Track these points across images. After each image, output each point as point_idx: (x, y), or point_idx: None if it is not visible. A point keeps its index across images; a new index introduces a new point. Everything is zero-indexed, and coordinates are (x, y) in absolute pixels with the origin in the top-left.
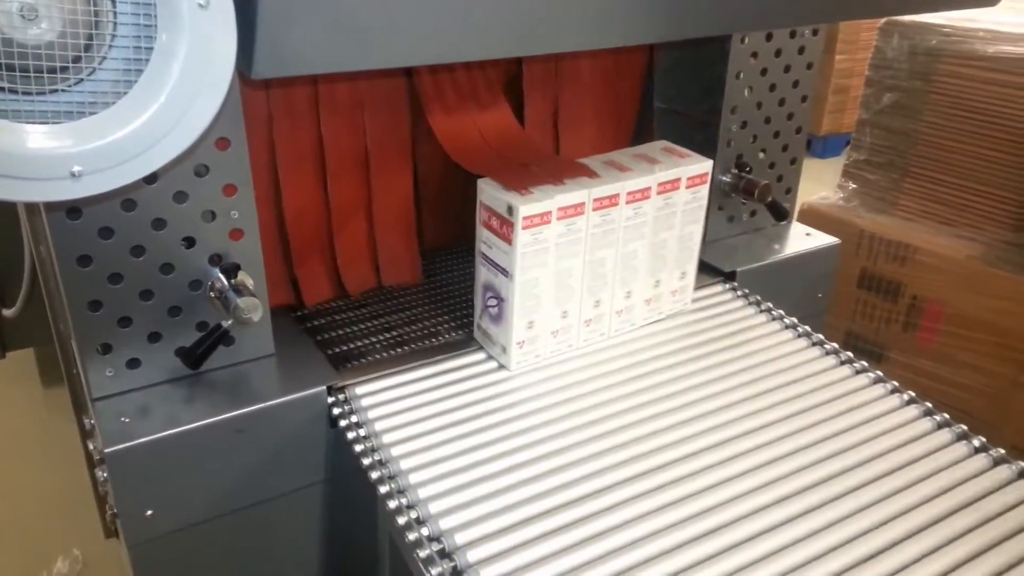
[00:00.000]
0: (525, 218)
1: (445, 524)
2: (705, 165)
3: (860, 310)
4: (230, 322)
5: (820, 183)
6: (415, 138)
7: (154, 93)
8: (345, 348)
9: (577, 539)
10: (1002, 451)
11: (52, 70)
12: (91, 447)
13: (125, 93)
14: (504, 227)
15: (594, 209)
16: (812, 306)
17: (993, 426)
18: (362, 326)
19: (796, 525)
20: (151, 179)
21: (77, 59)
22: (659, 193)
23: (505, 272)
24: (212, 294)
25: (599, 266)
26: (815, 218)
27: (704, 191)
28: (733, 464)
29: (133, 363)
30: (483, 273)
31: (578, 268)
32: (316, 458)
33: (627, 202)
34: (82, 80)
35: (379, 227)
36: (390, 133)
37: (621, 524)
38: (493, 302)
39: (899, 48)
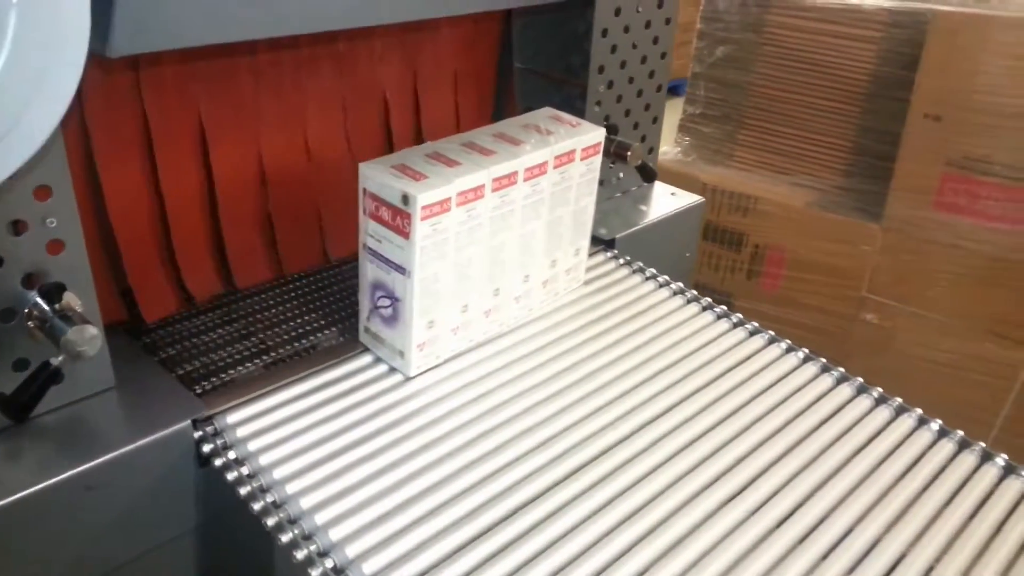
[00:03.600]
0: (424, 208)
1: (369, 569)
2: (598, 134)
3: (707, 262)
4: (61, 358)
5: None
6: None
7: None
8: (198, 365)
9: (522, 560)
10: (860, 380)
11: None
12: None
13: None
14: (398, 219)
15: (493, 190)
16: (682, 265)
17: (838, 362)
18: (214, 335)
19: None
20: None
21: None
22: (555, 167)
23: (401, 269)
24: (31, 324)
25: (499, 251)
26: (660, 174)
27: (597, 162)
28: (644, 433)
29: None
30: (370, 270)
31: (478, 256)
32: (185, 504)
33: (525, 179)
34: None
35: (226, 219)
36: (230, 107)
37: (543, 520)
38: (385, 302)
39: (730, 0)
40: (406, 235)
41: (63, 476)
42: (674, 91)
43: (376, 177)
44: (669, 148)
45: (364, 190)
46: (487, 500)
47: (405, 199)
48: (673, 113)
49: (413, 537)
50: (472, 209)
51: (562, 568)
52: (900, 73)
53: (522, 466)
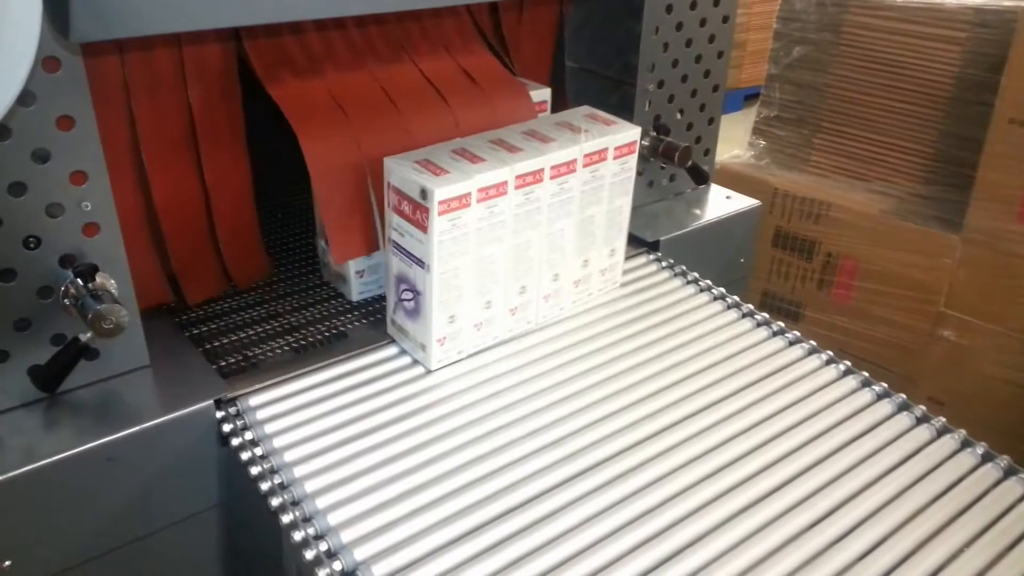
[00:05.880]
0: (441, 203)
1: (360, 555)
2: (633, 133)
3: (776, 269)
4: (89, 335)
5: (722, 140)
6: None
7: None
8: (232, 350)
9: (521, 553)
10: (903, 396)
11: None
12: None
13: None
14: (418, 213)
15: (517, 187)
16: (735, 271)
17: (910, 379)
18: (254, 324)
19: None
20: None
21: None
22: (585, 165)
23: (421, 263)
24: (67, 301)
25: (524, 249)
26: (729, 177)
27: (632, 161)
28: (669, 448)
29: None
30: (395, 263)
31: (501, 253)
32: (206, 482)
33: (551, 177)
34: None
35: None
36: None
37: (567, 531)
38: (408, 295)
39: (808, 0)
40: (425, 229)
41: (88, 446)
42: (757, 97)
43: (399, 171)
44: (742, 152)
45: (388, 184)
46: (489, 495)
47: (423, 193)
48: (752, 117)
49: (410, 526)
50: (494, 206)
51: (557, 566)
52: (985, 76)
53: (530, 463)
